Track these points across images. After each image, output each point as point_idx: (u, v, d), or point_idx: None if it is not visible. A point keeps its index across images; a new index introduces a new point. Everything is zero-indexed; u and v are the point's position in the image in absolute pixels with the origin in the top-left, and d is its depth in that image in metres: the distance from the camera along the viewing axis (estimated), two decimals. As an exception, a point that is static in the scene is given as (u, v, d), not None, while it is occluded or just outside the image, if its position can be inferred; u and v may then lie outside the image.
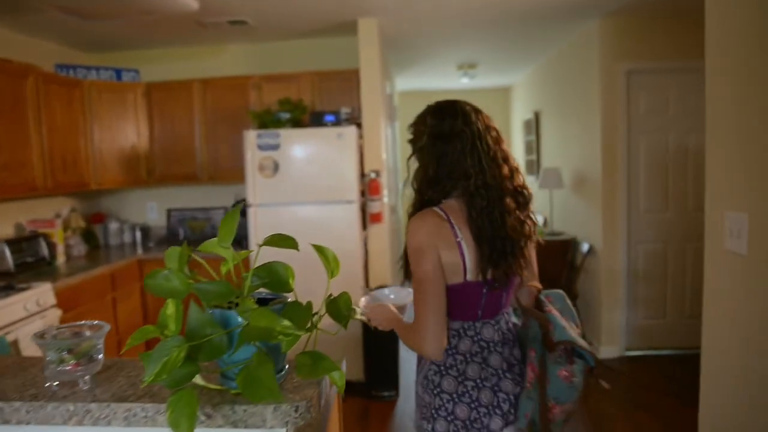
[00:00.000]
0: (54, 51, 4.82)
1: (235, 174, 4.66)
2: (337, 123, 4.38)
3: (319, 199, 4.26)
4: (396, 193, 6.69)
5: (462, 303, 1.59)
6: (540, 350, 1.54)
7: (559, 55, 5.89)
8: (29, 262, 3.96)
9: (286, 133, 4.27)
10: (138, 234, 5.09)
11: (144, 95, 4.85)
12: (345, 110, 4.45)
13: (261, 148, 4.27)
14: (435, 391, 1.60)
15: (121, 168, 4.75)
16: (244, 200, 4.32)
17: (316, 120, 4.43)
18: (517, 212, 1.60)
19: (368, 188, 4.46)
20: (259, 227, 4.30)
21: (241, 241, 4.61)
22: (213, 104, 4.82)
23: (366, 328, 4.09)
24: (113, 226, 5.06)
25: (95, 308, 3.94)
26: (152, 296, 4.55)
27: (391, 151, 6.30)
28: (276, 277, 1.20)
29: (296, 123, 4.50)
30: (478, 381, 1.58)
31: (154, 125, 4.88)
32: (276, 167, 4.27)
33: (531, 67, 7.04)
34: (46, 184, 4.08)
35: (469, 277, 1.56)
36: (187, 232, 5.23)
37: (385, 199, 4.69)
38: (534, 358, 1.54)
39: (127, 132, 4.78)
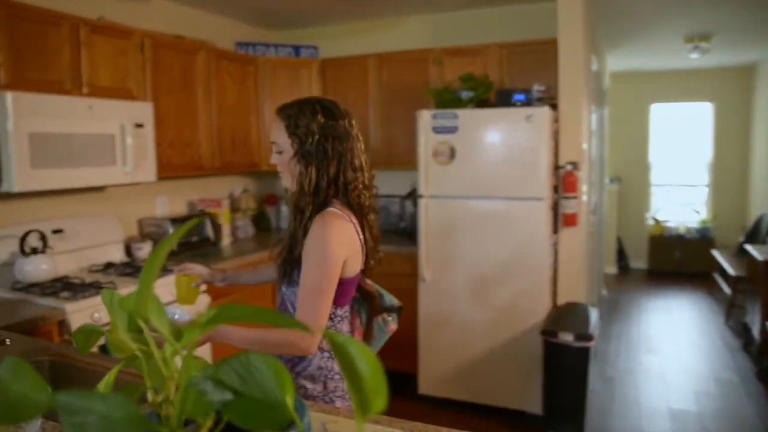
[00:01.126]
0: (236, 28, 4.69)
1: (411, 159, 4.10)
2: (528, 103, 3.63)
3: (501, 194, 3.56)
4: (598, 190, 5.70)
5: (350, 291, 1.74)
6: (366, 316, 1.87)
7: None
8: (193, 242, 3.83)
9: (465, 114, 3.63)
10: (309, 220, 4.82)
11: (318, 72, 4.52)
12: (538, 88, 3.68)
13: (436, 130, 3.68)
14: (329, 375, 1.70)
15: (293, 150, 4.48)
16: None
17: (503, 99, 3.72)
18: None
19: (562, 183, 3.65)
20: (430, 221, 3.73)
21: (411, 234, 4.09)
22: (389, 82, 4.33)
23: (549, 346, 3.33)
24: (285, 209, 4.85)
25: (248, 297, 3.68)
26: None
27: (597, 140, 5.34)
28: (257, 387, 0.57)
29: (480, 102, 3.85)
30: None
31: (328, 105, 4.53)
32: (452, 153, 3.65)
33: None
34: (213, 163, 3.91)
35: (358, 268, 1.72)
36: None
37: (584, 197, 3.83)
38: (359, 324, 1.86)
39: (300, 112, 4.48)
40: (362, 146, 1.72)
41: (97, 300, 2.63)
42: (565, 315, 3.45)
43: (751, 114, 7.31)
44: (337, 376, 1.70)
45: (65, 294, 2.66)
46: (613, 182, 7.66)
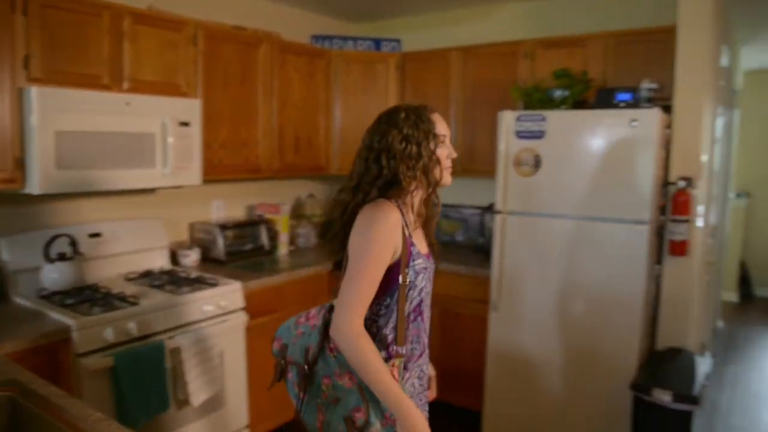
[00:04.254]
0: (311, 21, 4.36)
1: (494, 167, 3.57)
2: (634, 104, 3.01)
3: (593, 214, 2.98)
4: (720, 208, 4.87)
5: None
6: None
7: None
8: (245, 250, 3.54)
9: (554, 116, 3.07)
10: (380, 229, 4.41)
11: (397, 68, 4.09)
12: (647, 85, 3.04)
13: (520, 135, 3.16)
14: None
15: (363, 152, 4.09)
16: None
17: (605, 99, 3.12)
18: None
19: (672, 203, 3.00)
20: (507, 242, 3.21)
21: (488, 251, 3.58)
22: (473, 78, 3.83)
23: (639, 405, 2.71)
24: (355, 216, 4.47)
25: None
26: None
27: (722, 149, 4.54)
28: None
29: (577, 103, 3.28)
30: None
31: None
32: (537, 162, 3.11)
33: None
34: (271, 165, 3.59)
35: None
36: (437, 233, 4.37)
37: (699, 222, 3.15)
38: None
39: (374, 110, 4.01)
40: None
41: (113, 315, 2.37)
42: (664, 366, 2.81)
43: None
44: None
45: (83, 307, 2.42)
46: (739, 197, 6.67)
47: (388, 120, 1.63)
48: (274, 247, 3.71)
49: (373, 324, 1.58)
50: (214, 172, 3.23)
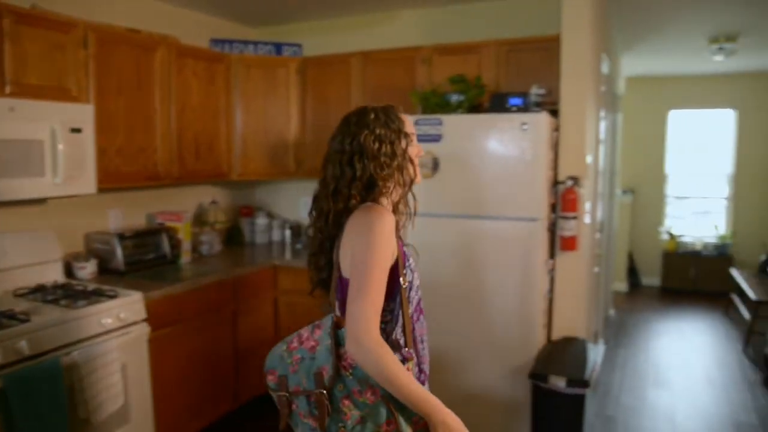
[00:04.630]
0: (211, 24, 4.29)
1: (395, 170, 3.68)
2: (525, 108, 3.19)
3: (490, 213, 3.12)
4: (607, 204, 5.22)
5: None
6: None
7: None
8: (146, 259, 3.43)
9: (450, 121, 3.20)
10: (287, 232, 4.41)
11: (298, 72, 4.11)
12: (537, 91, 3.23)
13: (419, 139, 3.20)
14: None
15: (267, 156, 4.07)
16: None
17: (498, 104, 3.28)
18: None
19: (561, 201, 3.21)
20: (411, 242, 3.29)
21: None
22: (373, 83, 3.91)
23: (537, 392, 2.88)
24: (261, 221, 4.44)
25: (204, 322, 3.28)
26: (287, 308, 3.82)
27: (607, 151, 4.87)
28: None
29: (473, 108, 3.42)
30: None
31: (307, 108, 4.11)
32: (436, 165, 3.22)
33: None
34: (171, 172, 3.51)
35: None
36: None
37: (586, 219, 3.38)
38: None
39: (276, 115, 4.07)
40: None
41: (1, 334, 2.24)
42: (559, 354, 3.00)
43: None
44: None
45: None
46: (625, 194, 7.17)
47: (357, 121, 1.59)
48: (177, 256, 3.62)
49: (382, 331, 1.47)
50: (111, 180, 3.11)
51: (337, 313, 1.58)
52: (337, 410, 1.45)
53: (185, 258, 3.68)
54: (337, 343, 1.48)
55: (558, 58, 3.27)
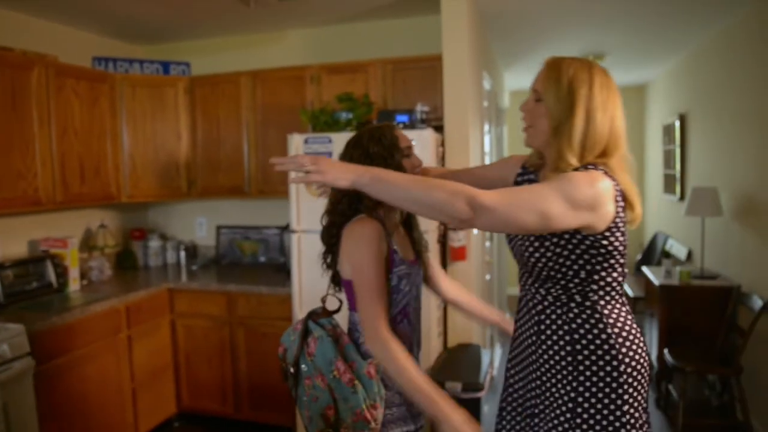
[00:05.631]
0: (93, 42, 4.17)
1: (287, 187, 3.72)
2: (411, 125, 3.33)
3: (381, 225, 3.23)
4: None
5: None
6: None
7: (716, 41, 4.46)
8: (28, 290, 3.27)
9: (340, 138, 3.28)
10: (182, 254, 4.33)
11: (186, 92, 4.07)
12: (422, 108, 3.39)
13: (310, 157, 3.31)
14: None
15: (157, 178, 3.99)
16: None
17: (385, 121, 3.40)
18: None
19: (448, 212, 3.36)
20: (303, 259, 3.35)
21: (289, 269, 3.69)
22: (264, 102, 3.94)
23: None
24: (154, 244, 4.33)
25: (96, 351, 3.16)
26: (185, 330, 3.75)
27: (493, 161, 5.14)
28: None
29: (361, 124, 3.51)
30: None
31: (197, 127, 4.08)
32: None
33: (676, 58, 5.57)
34: (54, 197, 3.37)
35: None
36: (236, 254, 4.40)
37: (474, 229, 3.56)
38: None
39: (165, 135, 4.01)
40: None
41: None
42: (455, 361, 3.15)
43: (644, 133, 7.40)
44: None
45: None
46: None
47: (354, 144, 1.76)
48: (64, 284, 3.47)
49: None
50: (-15, 208, 2.96)
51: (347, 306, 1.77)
52: (302, 386, 1.70)
53: (73, 286, 3.54)
54: (306, 329, 1.72)
55: (441, 76, 3.45)
